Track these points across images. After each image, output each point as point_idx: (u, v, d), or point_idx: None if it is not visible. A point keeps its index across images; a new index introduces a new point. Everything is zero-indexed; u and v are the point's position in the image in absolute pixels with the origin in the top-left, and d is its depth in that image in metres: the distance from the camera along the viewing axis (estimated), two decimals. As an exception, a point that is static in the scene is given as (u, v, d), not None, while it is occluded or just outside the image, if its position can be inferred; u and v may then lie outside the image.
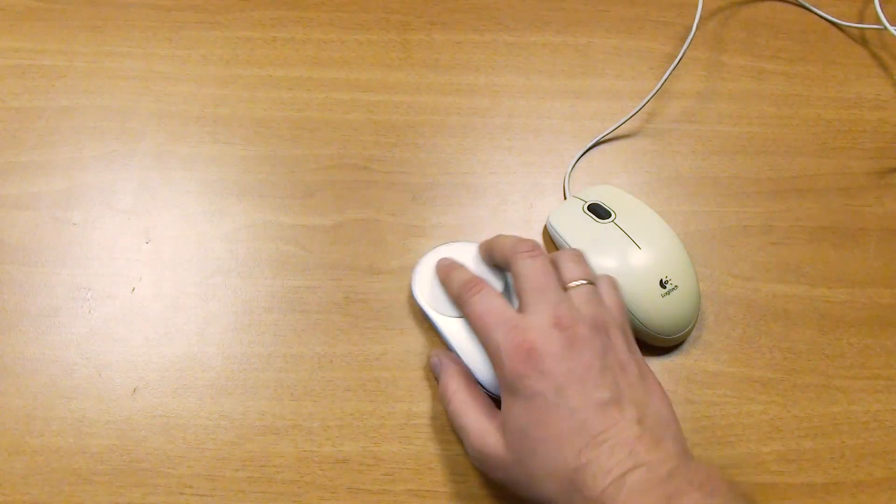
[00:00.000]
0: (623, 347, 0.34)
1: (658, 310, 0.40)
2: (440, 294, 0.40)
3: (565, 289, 0.35)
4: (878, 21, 0.51)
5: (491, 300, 0.35)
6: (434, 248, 0.42)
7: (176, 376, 0.40)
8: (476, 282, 0.37)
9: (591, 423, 0.31)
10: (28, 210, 0.45)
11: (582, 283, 0.35)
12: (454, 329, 0.39)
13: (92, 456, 0.37)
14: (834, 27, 0.54)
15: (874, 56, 0.53)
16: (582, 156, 0.48)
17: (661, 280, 0.40)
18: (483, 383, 0.37)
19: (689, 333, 0.42)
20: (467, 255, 0.42)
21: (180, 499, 0.37)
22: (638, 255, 0.40)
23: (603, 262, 0.40)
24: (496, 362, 0.34)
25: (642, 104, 0.48)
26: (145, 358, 0.41)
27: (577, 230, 0.42)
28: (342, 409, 0.39)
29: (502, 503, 0.38)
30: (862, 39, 0.54)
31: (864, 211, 0.47)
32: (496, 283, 0.40)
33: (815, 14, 0.54)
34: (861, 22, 0.54)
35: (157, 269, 0.44)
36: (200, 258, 0.44)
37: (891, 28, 0.50)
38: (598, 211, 0.42)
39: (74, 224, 0.45)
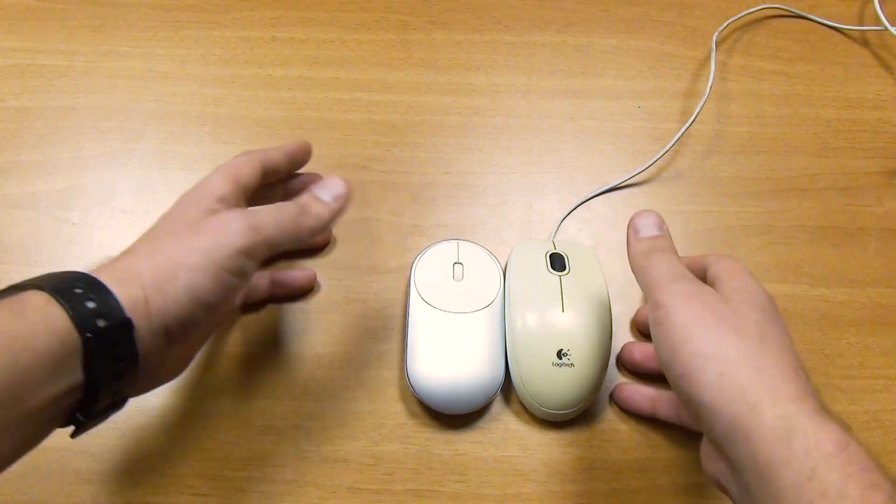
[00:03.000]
0: None
1: (542, 377, 0.38)
2: (438, 289, 0.40)
3: None
4: (878, 22, 0.51)
5: None
6: (433, 244, 0.42)
7: (176, 376, 0.40)
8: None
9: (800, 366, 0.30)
10: (28, 210, 0.45)
11: None
12: (447, 324, 0.39)
13: (92, 456, 0.37)
14: (832, 28, 0.54)
15: (874, 56, 0.53)
16: (586, 200, 0.48)
17: (561, 350, 0.38)
18: (458, 384, 0.38)
19: (571, 415, 0.39)
20: (467, 254, 0.42)
21: (180, 499, 0.37)
22: (555, 316, 0.39)
23: (525, 303, 0.39)
24: (729, 263, 0.33)
25: (659, 155, 0.48)
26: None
27: (525, 267, 0.41)
28: (342, 409, 0.39)
29: (503, 503, 0.38)
30: (862, 40, 0.54)
31: (864, 211, 0.47)
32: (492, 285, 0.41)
33: (816, 22, 0.54)
34: (861, 23, 0.54)
35: (157, 269, 0.43)
36: (200, 258, 0.44)
37: (891, 28, 0.50)
38: (555, 262, 0.41)
39: (74, 224, 0.45)
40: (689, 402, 0.29)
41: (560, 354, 0.38)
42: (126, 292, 0.28)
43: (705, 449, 0.31)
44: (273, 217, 0.32)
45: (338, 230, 0.45)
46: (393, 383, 0.40)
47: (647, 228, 0.34)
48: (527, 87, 0.51)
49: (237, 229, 0.31)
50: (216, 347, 0.41)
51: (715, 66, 0.50)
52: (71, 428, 0.28)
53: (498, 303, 0.40)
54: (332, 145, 0.48)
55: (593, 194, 0.47)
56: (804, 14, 0.54)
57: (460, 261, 0.42)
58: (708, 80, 0.49)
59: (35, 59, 0.50)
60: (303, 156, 0.39)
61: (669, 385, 0.31)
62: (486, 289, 0.41)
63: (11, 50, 0.50)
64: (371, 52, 0.51)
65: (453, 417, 0.39)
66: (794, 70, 0.52)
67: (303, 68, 0.50)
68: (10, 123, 0.47)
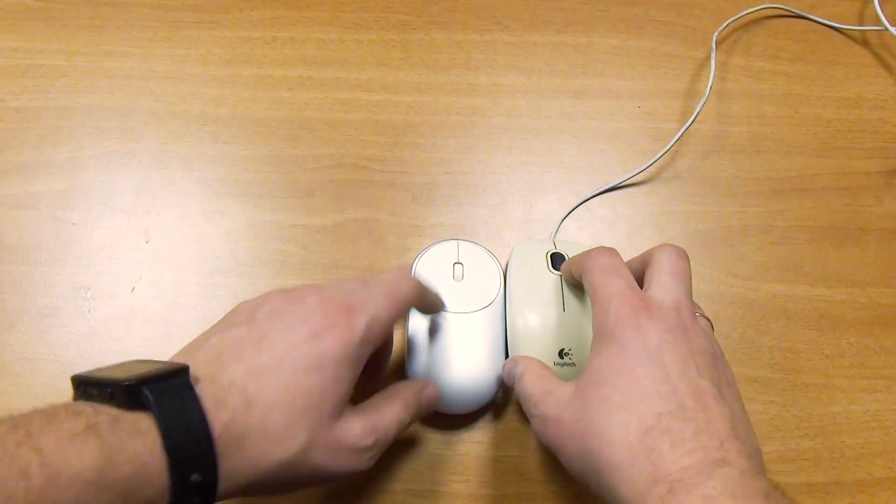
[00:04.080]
0: (732, 375, 0.32)
1: None
2: (438, 289, 0.40)
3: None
4: (878, 22, 0.51)
5: (624, 266, 0.34)
6: (433, 244, 0.42)
7: (176, 376, 0.40)
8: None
9: (683, 396, 0.28)
10: (28, 210, 0.45)
11: (701, 315, 0.34)
12: (447, 324, 0.39)
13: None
14: (832, 28, 0.54)
15: (874, 56, 0.53)
16: (590, 198, 0.48)
17: (562, 350, 0.38)
18: (458, 384, 0.38)
19: None
20: (467, 254, 0.42)
21: (180, 499, 0.37)
22: (556, 315, 0.39)
23: (525, 303, 0.39)
24: (601, 309, 0.31)
25: (659, 155, 0.48)
26: (145, 357, 0.41)
27: (526, 266, 0.41)
28: (342, 409, 0.39)
29: (503, 503, 0.38)
30: (861, 40, 0.54)
31: (864, 211, 0.47)
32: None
33: (816, 22, 0.54)
34: (861, 23, 0.54)
35: (157, 269, 0.44)
36: (200, 258, 0.44)
37: (891, 28, 0.50)
38: (556, 261, 0.41)
39: (74, 224, 0.45)
40: None
41: (561, 354, 0.38)
42: (224, 464, 0.26)
43: None
44: (397, 424, 0.33)
45: (338, 230, 0.45)
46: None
47: (509, 377, 0.36)
48: (527, 87, 0.51)
49: (357, 464, 0.30)
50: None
51: (715, 66, 0.50)
52: None
53: (498, 303, 0.40)
54: (332, 145, 0.48)
55: (593, 194, 0.47)
56: (804, 14, 0.54)
57: (460, 261, 0.42)
58: (708, 80, 0.49)
59: (35, 59, 0.50)
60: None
61: None
62: (486, 289, 0.41)
63: (11, 50, 0.50)
64: (371, 52, 0.51)
65: (453, 417, 0.39)
66: (794, 70, 0.52)
67: (303, 68, 0.50)
68: (10, 123, 0.47)
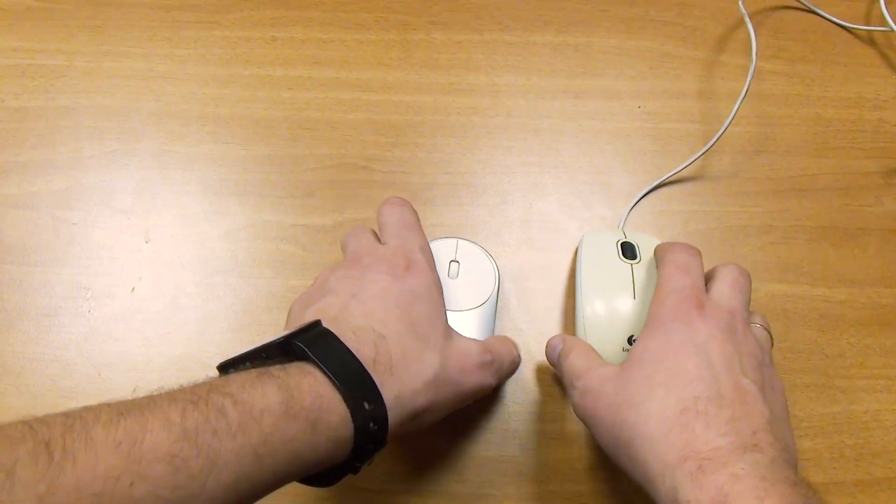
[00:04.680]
0: (780, 384, 0.33)
1: (612, 362, 0.38)
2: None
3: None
4: (882, 22, 0.51)
5: (699, 267, 0.35)
6: (433, 240, 0.42)
7: (176, 376, 0.40)
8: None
9: (723, 386, 0.29)
10: (28, 210, 0.45)
11: (762, 327, 0.36)
12: (451, 322, 0.39)
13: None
14: (834, 26, 0.54)
15: (874, 56, 0.53)
16: (644, 196, 0.48)
17: (631, 337, 0.38)
18: None
19: None
20: (464, 253, 0.42)
21: (180, 498, 0.37)
22: (626, 303, 0.39)
23: (596, 291, 0.40)
24: (660, 299, 0.34)
25: (710, 144, 0.48)
26: (145, 357, 0.41)
27: (597, 255, 0.42)
28: (342, 409, 0.39)
29: (502, 503, 0.38)
30: (862, 40, 0.54)
31: (864, 211, 0.47)
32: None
33: (820, 16, 0.54)
34: (868, 23, 0.54)
35: (157, 269, 0.44)
36: (200, 258, 0.44)
37: None
38: (626, 250, 0.42)
39: (74, 224, 0.45)
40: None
41: (630, 340, 0.38)
42: (386, 393, 0.29)
43: None
44: (505, 350, 0.36)
45: (338, 230, 0.45)
46: (393, 383, 0.40)
47: (552, 353, 0.38)
48: (527, 87, 0.51)
49: (484, 379, 0.34)
50: (217, 348, 0.41)
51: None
52: None
53: (491, 302, 0.40)
54: (332, 145, 0.48)
55: (649, 189, 0.47)
56: (813, 8, 0.53)
57: (457, 259, 0.42)
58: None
59: (35, 59, 0.50)
60: None
61: None
62: (479, 288, 0.41)
63: (11, 50, 0.50)
64: (371, 52, 0.51)
65: (450, 416, 0.39)
66: (794, 70, 0.52)
67: (303, 68, 0.50)
68: (10, 123, 0.47)
